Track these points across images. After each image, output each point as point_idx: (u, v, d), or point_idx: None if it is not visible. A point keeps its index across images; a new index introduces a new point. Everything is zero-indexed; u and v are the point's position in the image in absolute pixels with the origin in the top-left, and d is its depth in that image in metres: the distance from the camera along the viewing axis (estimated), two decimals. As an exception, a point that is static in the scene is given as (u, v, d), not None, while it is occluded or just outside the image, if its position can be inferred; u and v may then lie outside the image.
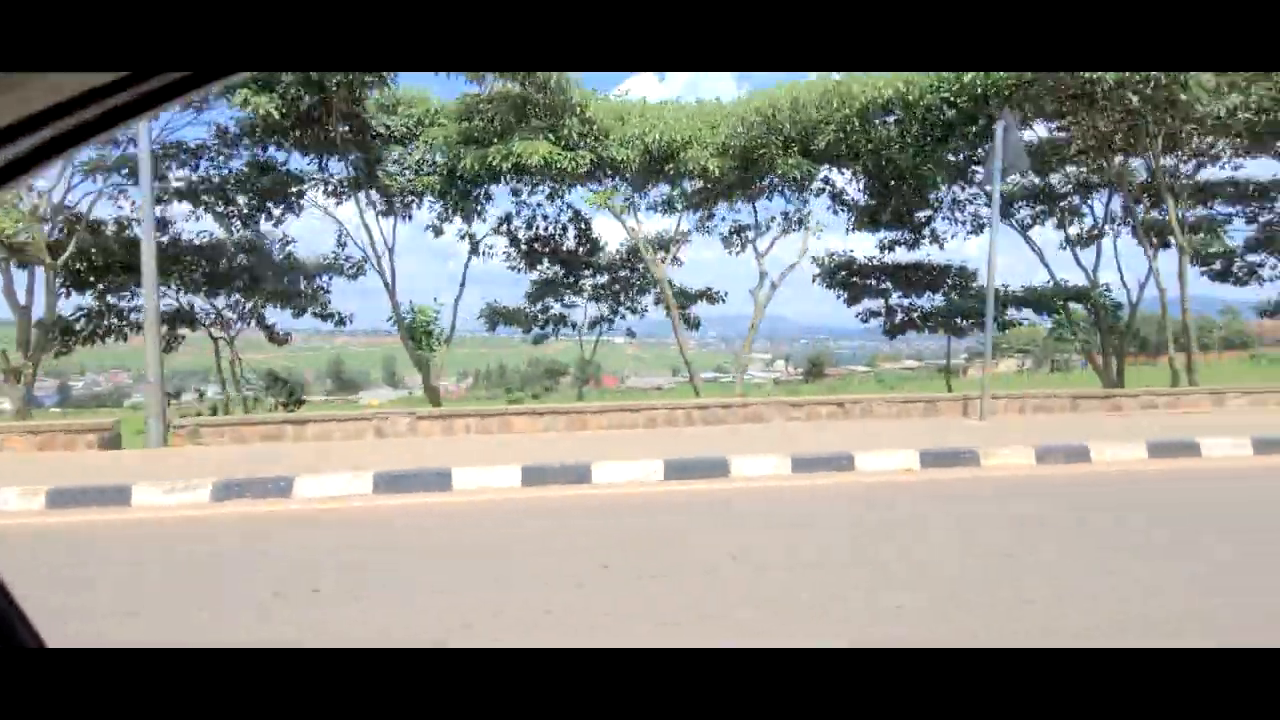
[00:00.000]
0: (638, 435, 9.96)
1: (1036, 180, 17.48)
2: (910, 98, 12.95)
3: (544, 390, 32.40)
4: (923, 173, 14.40)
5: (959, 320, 17.55)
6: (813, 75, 13.40)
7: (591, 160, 12.75)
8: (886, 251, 18.36)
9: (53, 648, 0.71)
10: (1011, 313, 17.23)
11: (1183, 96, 11.19)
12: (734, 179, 14.15)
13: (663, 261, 17.93)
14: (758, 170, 13.68)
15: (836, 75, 12.85)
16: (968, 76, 12.21)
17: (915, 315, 18.24)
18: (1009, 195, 18.47)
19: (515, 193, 15.92)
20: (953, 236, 18.94)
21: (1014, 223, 18.11)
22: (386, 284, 14.59)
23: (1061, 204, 18.12)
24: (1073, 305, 17.40)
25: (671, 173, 13.78)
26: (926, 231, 18.52)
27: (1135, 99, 11.08)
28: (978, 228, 19.24)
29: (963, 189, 18.05)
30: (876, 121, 13.98)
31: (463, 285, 15.66)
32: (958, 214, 18.85)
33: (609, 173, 14.23)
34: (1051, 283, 16.82)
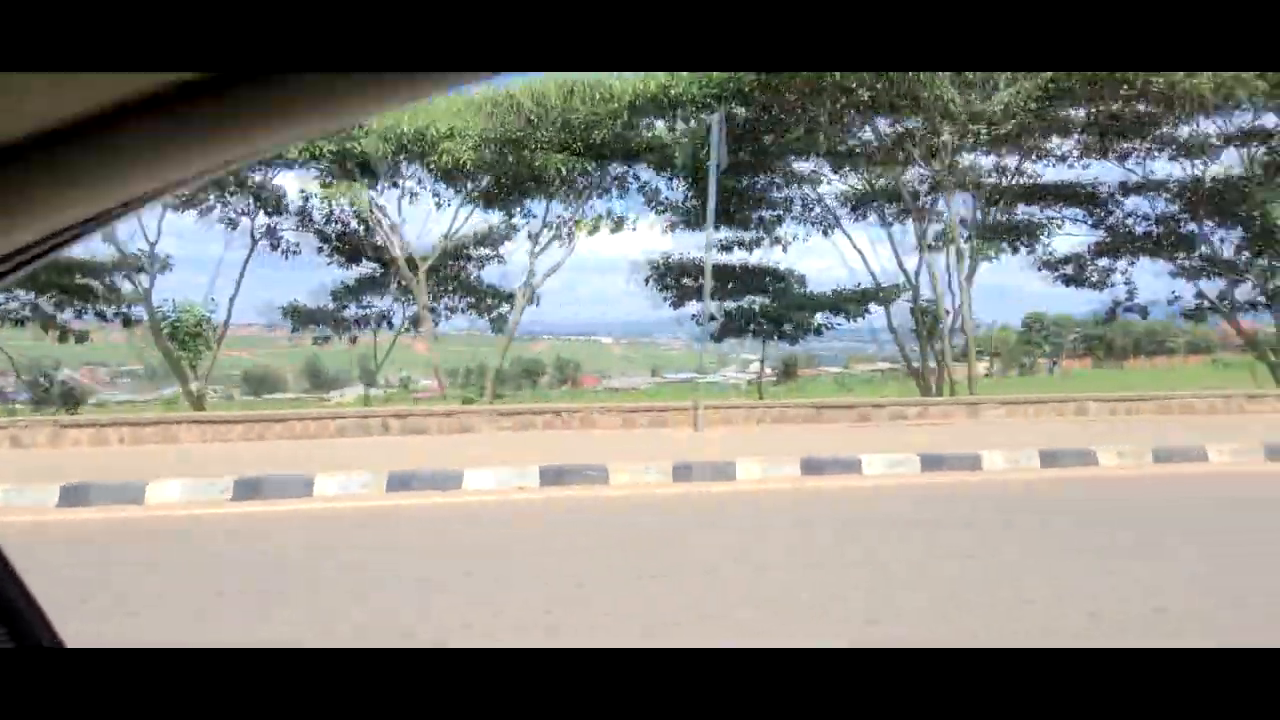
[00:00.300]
0: (290, 447, 9.26)
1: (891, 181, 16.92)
2: (674, 93, 12.40)
3: (515, 390, 31.81)
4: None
5: (783, 325, 17.04)
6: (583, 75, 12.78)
7: (331, 152, 12.04)
8: (725, 253, 17.79)
9: (73, 647, 0.71)
10: (823, 317, 16.70)
11: (923, 94, 10.70)
12: (526, 175, 13.52)
13: (489, 261, 17.34)
14: (525, 165, 13.03)
15: (592, 74, 12.25)
16: (717, 75, 11.66)
17: (743, 320, 17.74)
18: (861, 195, 17.84)
19: (326, 186, 15.17)
20: (796, 238, 18.40)
21: (836, 223, 17.55)
22: (132, 281, 13.79)
23: (918, 204, 17.57)
24: (901, 310, 16.82)
25: (433, 166, 13.09)
26: (772, 233, 18.01)
27: (865, 94, 10.57)
28: (827, 229, 18.73)
29: (813, 189, 17.58)
30: (649, 119, 13.48)
31: (239, 283, 14.87)
32: (808, 215, 18.39)
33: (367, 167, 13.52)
34: (861, 286, 16.26)
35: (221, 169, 0.53)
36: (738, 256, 17.71)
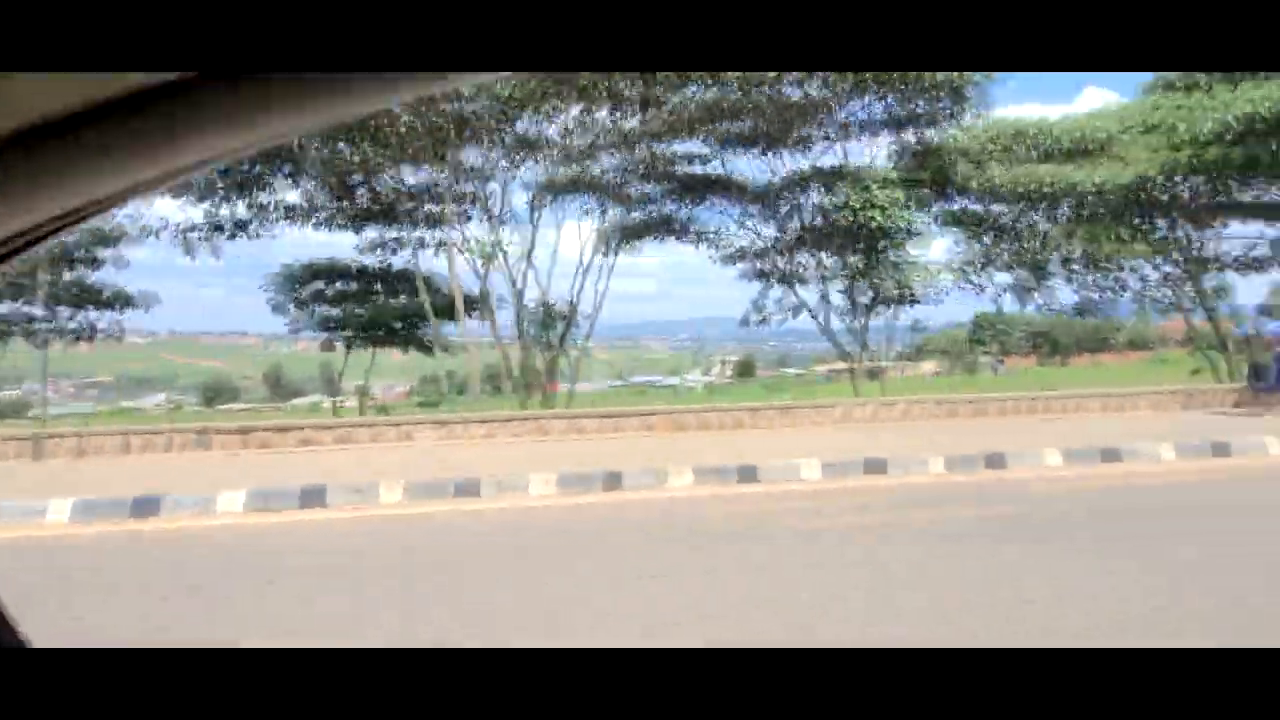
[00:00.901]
0: None
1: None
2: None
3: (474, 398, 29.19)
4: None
5: (406, 330, 15.34)
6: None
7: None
8: (385, 254, 15.93)
9: (38, 648, 0.68)
10: (472, 325, 14.92)
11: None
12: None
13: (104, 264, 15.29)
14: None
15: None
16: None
17: (372, 328, 16.04)
18: (549, 186, 15.87)
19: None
20: (444, 241, 16.44)
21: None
22: None
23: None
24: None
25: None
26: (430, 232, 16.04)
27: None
28: (504, 223, 16.62)
29: (484, 185, 15.65)
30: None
31: None
32: (487, 211, 16.32)
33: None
34: (477, 290, 14.66)
35: (196, 169, 0.53)
36: (377, 259, 16.12)
